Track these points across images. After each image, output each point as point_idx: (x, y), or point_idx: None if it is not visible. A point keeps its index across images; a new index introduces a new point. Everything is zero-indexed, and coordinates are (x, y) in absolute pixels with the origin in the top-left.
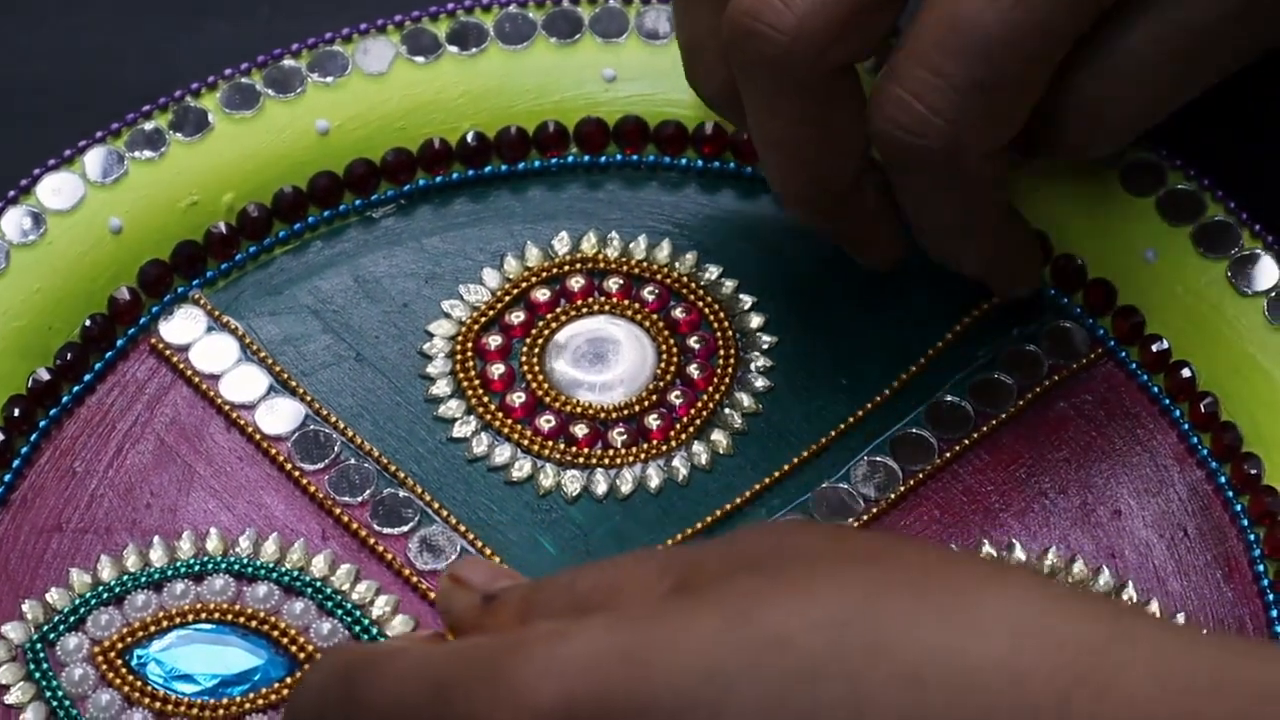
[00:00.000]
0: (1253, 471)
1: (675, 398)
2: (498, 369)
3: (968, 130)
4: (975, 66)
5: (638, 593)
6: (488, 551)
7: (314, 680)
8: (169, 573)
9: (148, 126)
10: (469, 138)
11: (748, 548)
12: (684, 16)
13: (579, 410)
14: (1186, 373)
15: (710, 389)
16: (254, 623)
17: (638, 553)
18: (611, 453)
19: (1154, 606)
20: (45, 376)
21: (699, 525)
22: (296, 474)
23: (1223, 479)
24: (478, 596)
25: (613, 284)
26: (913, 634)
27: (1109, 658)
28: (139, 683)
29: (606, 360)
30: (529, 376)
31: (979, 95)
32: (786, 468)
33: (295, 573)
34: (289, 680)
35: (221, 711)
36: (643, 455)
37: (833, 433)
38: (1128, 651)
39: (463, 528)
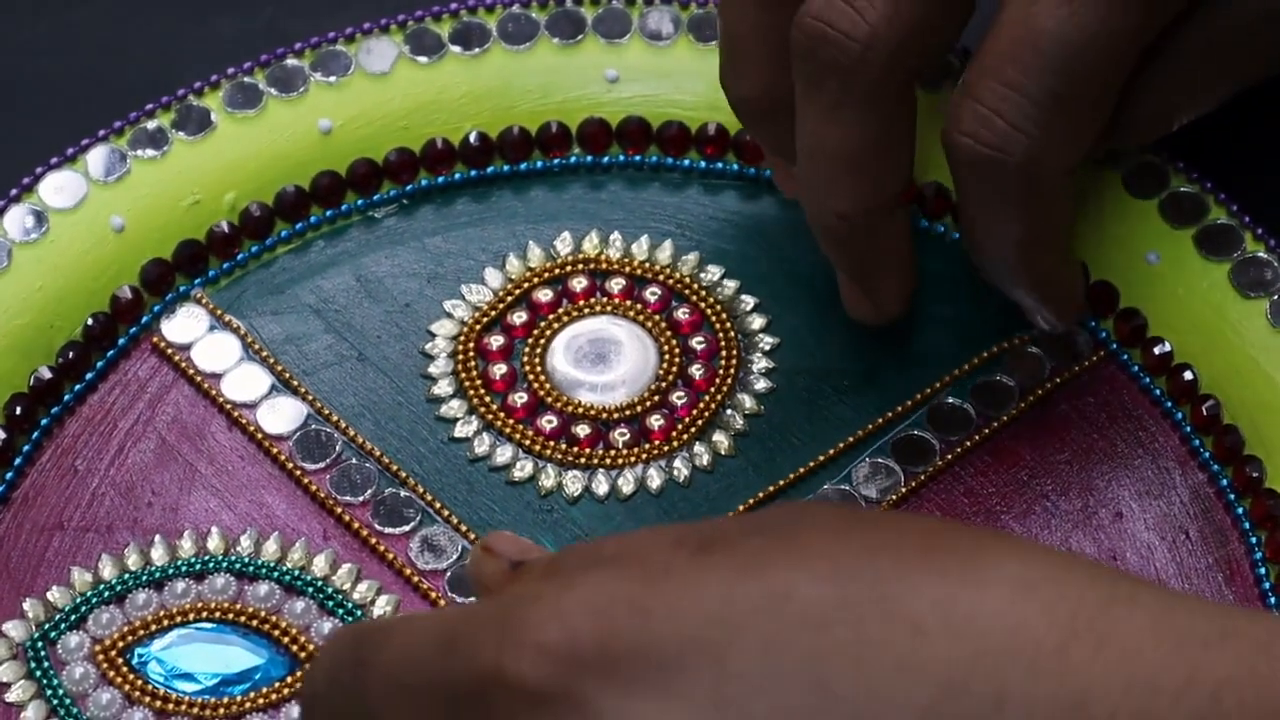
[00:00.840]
0: (1254, 474)
1: (677, 398)
2: (499, 369)
3: (1047, 144)
4: (1052, 79)
5: (654, 554)
6: None
7: (327, 650)
8: (170, 571)
9: (150, 125)
10: (471, 138)
11: (765, 518)
12: (730, 14)
13: (580, 411)
14: (1188, 375)
15: (712, 390)
16: (255, 622)
17: (663, 525)
18: (613, 453)
19: None
20: (47, 375)
21: None
22: (298, 473)
23: (1224, 482)
24: (506, 563)
25: (615, 284)
26: (915, 587)
27: (1108, 612)
28: (140, 681)
29: (608, 361)
30: (531, 377)
31: (1057, 108)
32: (788, 472)
33: (296, 572)
34: (290, 679)
35: (222, 710)
36: (644, 456)
37: (834, 434)
38: (1127, 607)
39: (464, 528)
